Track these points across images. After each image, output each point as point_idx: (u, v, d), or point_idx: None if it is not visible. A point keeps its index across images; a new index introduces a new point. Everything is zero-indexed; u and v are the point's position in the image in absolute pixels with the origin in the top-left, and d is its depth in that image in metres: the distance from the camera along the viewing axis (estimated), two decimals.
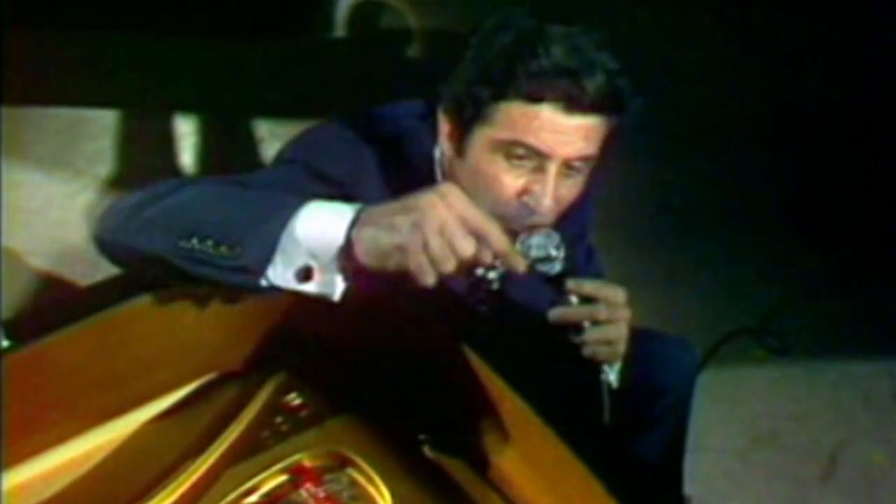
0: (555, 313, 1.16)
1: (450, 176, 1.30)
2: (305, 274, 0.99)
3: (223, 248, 0.99)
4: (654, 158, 2.72)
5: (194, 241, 1.00)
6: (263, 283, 0.99)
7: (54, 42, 2.92)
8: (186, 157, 2.77)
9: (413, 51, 3.12)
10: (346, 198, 1.25)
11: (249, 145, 2.82)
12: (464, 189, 1.27)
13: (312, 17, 3.25)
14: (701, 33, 3.20)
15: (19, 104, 2.76)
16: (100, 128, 2.81)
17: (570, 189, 1.24)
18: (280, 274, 0.99)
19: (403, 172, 1.29)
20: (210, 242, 0.99)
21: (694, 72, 3.04)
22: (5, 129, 2.62)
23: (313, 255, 0.98)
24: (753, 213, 2.64)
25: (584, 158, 1.22)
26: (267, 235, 0.98)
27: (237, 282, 1.00)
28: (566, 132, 1.19)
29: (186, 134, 2.84)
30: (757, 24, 3.17)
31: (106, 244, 1.09)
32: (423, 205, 0.95)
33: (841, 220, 2.59)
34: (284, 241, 0.98)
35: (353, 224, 0.97)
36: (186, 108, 2.90)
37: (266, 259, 0.98)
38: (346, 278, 0.99)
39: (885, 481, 2.07)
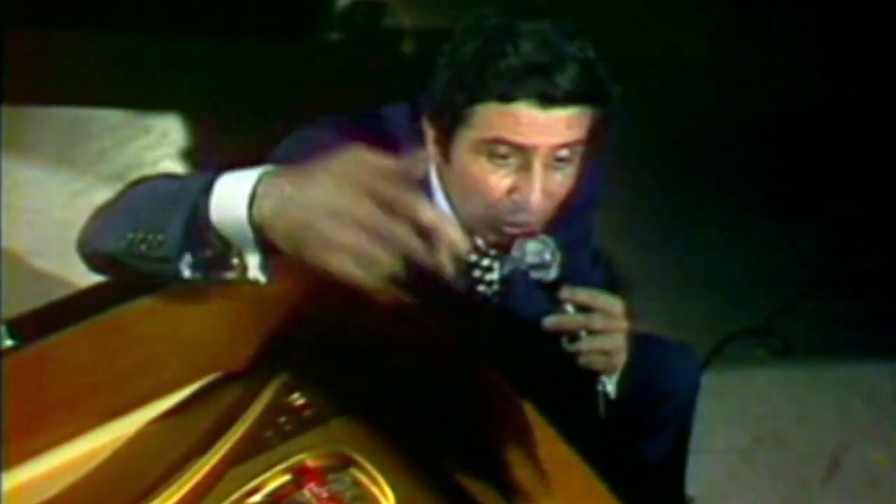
0: (549, 321, 1.14)
1: (441, 182, 1.30)
2: (221, 262, 0.91)
3: (149, 238, 0.93)
4: (655, 160, 2.72)
5: (130, 235, 0.95)
6: (186, 273, 0.91)
7: (54, 42, 2.92)
8: (187, 156, 2.77)
9: (412, 51, 3.12)
10: None
11: (249, 145, 2.81)
12: (455, 193, 1.29)
13: (313, 17, 3.25)
14: (700, 34, 3.21)
15: (20, 104, 2.76)
16: (102, 127, 2.81)
17: (561, 183, 1.22)
18: (195, 263, 0.92)
19: None
20: (141, 235, 0.94)
21: (696, 73, 3.04)
22: (7, 129, 2.62)
23: (227, 240, 0.89)
24: (755, 213, 2.64)
25: (569, 146, 1.20)
26: (177, 220, 0.90)
27: (161, 272, 0.93)
28: (545, 126, 1.17)
29: (187, 134, 2.83)
30: (756, 24, 3.18)
31: (81, 255, 1.09)
32: (335, 169, 0.80)
33: (843, 220, 2.59)
34: (198, 225, 0.89)
35: (254, 198, 0.85)
36: (186, 108, 2.90)
37: (180, 247, 0.90)
38: (266, 267, 0.89)
39: (886, 482, 2.06)
